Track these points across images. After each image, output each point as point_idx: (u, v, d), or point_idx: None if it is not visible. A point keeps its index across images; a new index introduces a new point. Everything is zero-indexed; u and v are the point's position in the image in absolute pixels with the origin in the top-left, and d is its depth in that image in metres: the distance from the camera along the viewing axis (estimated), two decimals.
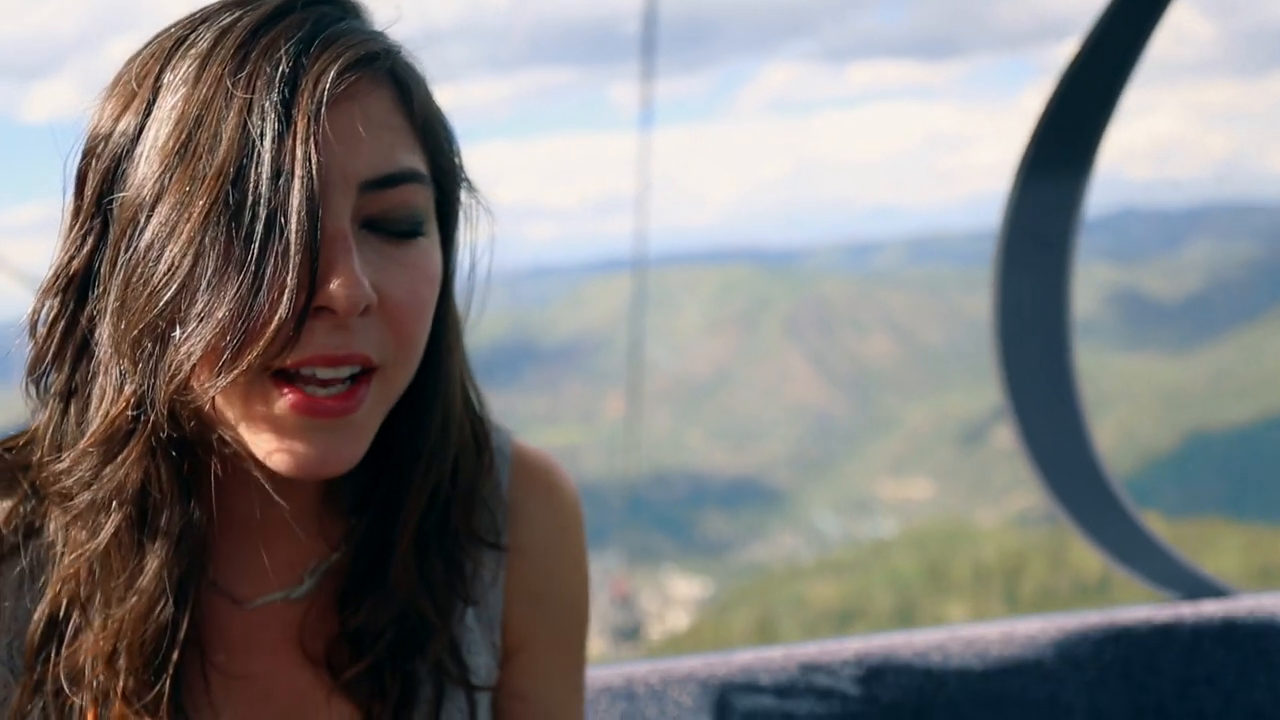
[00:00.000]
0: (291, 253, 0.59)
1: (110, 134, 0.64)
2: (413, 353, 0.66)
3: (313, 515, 0.73)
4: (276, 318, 0.59)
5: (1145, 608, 1.13)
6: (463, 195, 0.71)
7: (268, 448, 0.63)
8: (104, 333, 0.63)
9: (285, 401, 0.62)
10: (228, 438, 0.64)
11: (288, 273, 0.59)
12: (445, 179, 0.69)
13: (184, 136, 0.61)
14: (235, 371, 0.59)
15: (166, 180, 0.61)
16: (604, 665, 1.10)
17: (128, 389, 0.62)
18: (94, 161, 0.64)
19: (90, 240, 0.64)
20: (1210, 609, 1.11)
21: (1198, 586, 1.17)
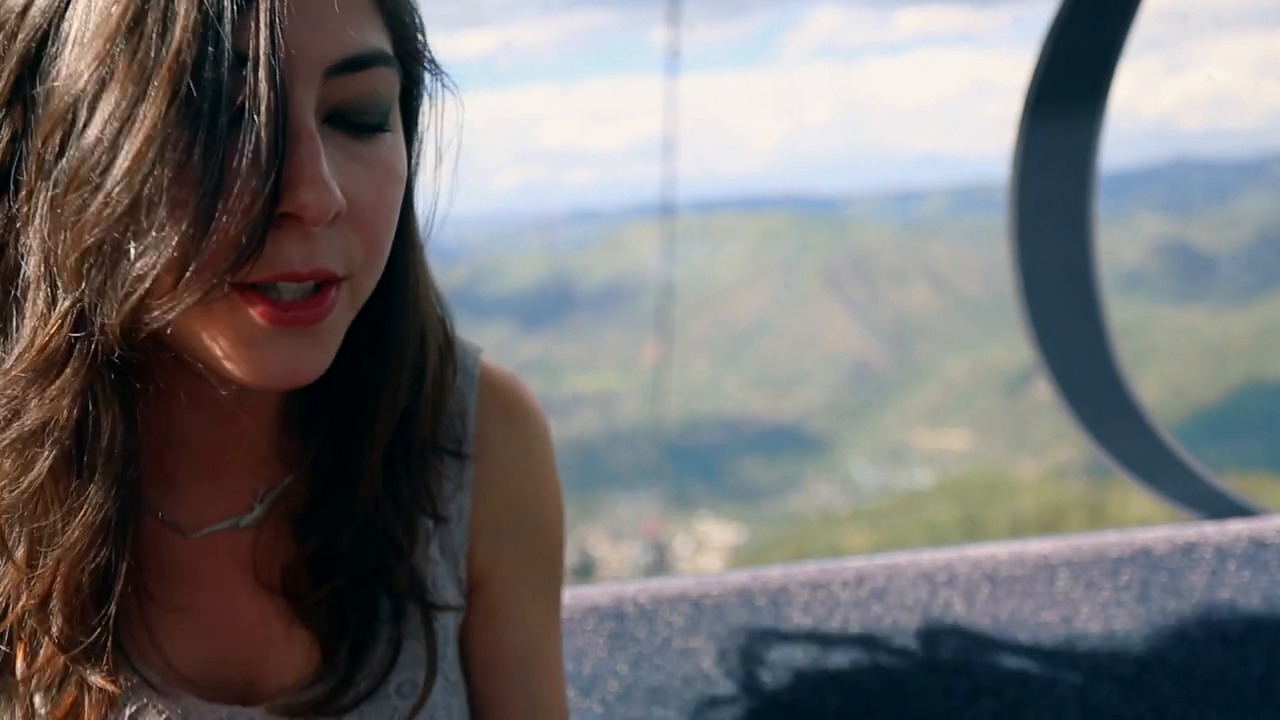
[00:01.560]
0: (262, 154, 0.53)
1: (25, 8, 0.55)
2: (380, 259, 0.61)
3: (265, 437, 0.68)
4: (241, 228, 0.53)
5: (1166, 527, 1.07)
6: (427, 80, 0.64)
7: (232, 360, 0.58)
8: (30, 244, 0.56)
9: (252, 312, 0.57)
10: (185, 356, 0.59)
11: (254, 177, 0.53)
12: (411, 63, 0.63)
13: (128, 17, 0.53)
14: (200, 292, 0.54)
15: (109, 69, 0.53)
16: (592, 585, 1.06)
17: (62, 306, 0.56)
18: (7, 44, 0.56)
19: (5, 135, 0.56)
20: (1236, 528, 1.05)
21: (1225, 508, 1.11)
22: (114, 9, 0.53)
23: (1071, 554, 1.04)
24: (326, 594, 0.67)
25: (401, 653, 0.69)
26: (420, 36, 0.64)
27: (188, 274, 0.53)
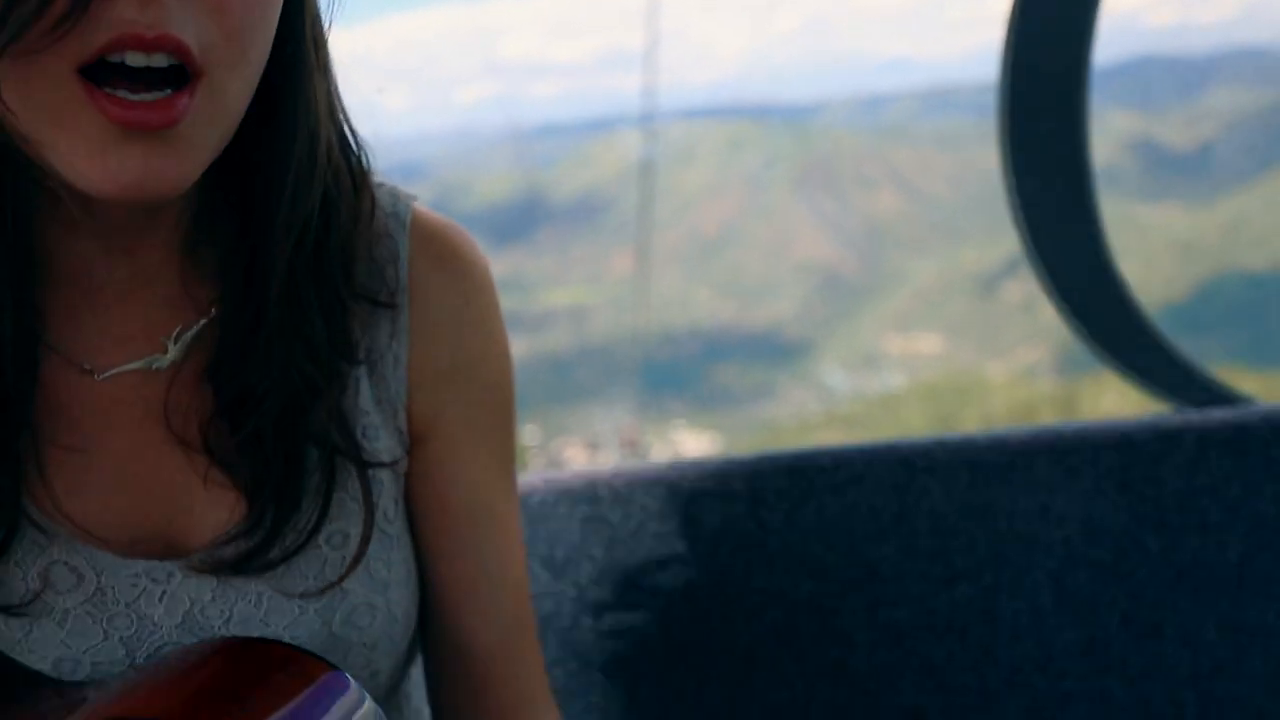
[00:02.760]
0: None
1: None
2: (243, 53, 0.55)
3: (171, 275, 0.64)
4: None
5: (1149, 415, 1.05)
6: None
7: (82, 168, 0.54)
8: None
9: (96, 108, 0.52)
10: (39, 162, 0.55)
11: None
12: None
13: None
14: (15, 48, 0.49)
15: None
16: (565, 469, 1.03)
17: None
18: None
19: None
20: (1219, 415, 1.03)
21: (1210, 398, 1.09)
22: None
23: (1052, 441, 1.01)
24: (248, 445, 0.64)
25: (331, 505, 0.66)
26: None
27: (5, 33, 0.50)
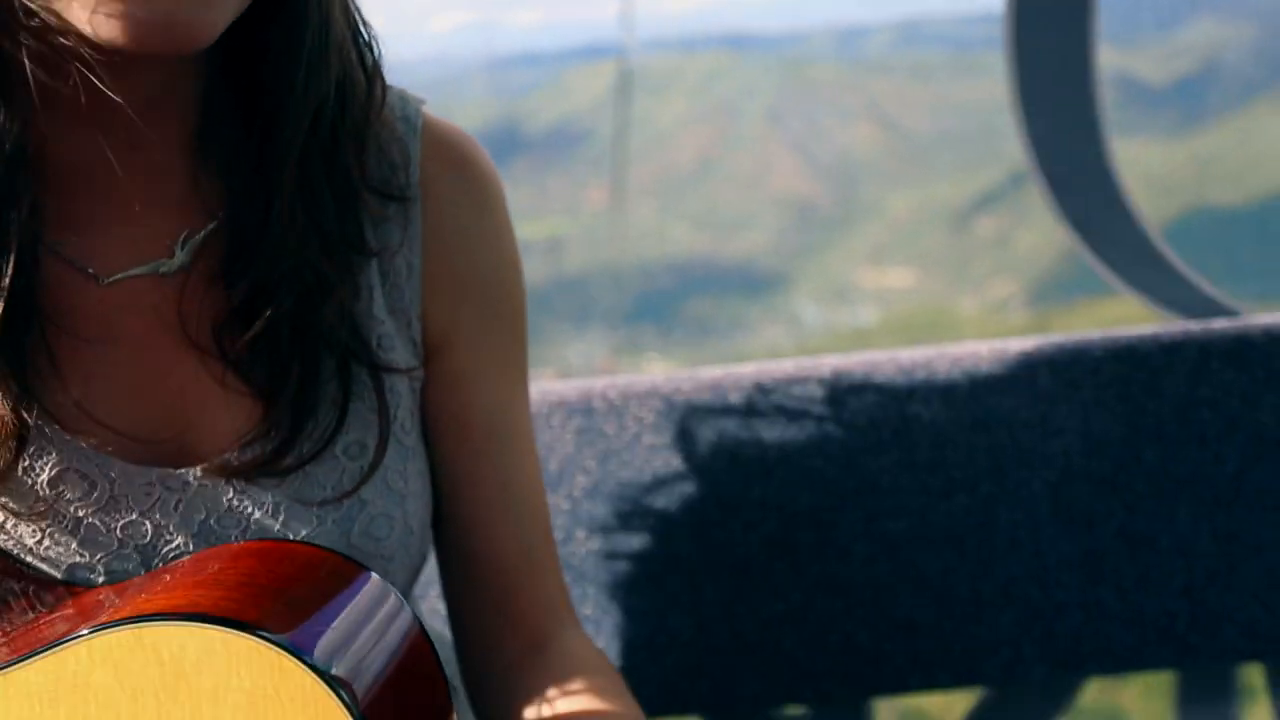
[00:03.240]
0: None
1: None
2: None
3: (179, 172, 0.62)
4: None
5: (1150, 326, 1.04)
6: None
7: (103, 11, 0.51)
8: None
9: None
10: (56, 21, 0.52)
11: None
12: None
13: None
14: None
15: None
16: (559, 381, 1.01)
17: None
18: None
19: None
20: (1220, 327, 1.02)
21: (1210, 309, 1.08)
22: None
23: (1054, 353, 1.00)
24: (262, 347, 0.62)
25: (349, 414, 0.65)
26: None
27: None
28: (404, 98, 0.68)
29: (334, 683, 0.50)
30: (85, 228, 0.61)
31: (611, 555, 1.01)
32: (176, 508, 0.62)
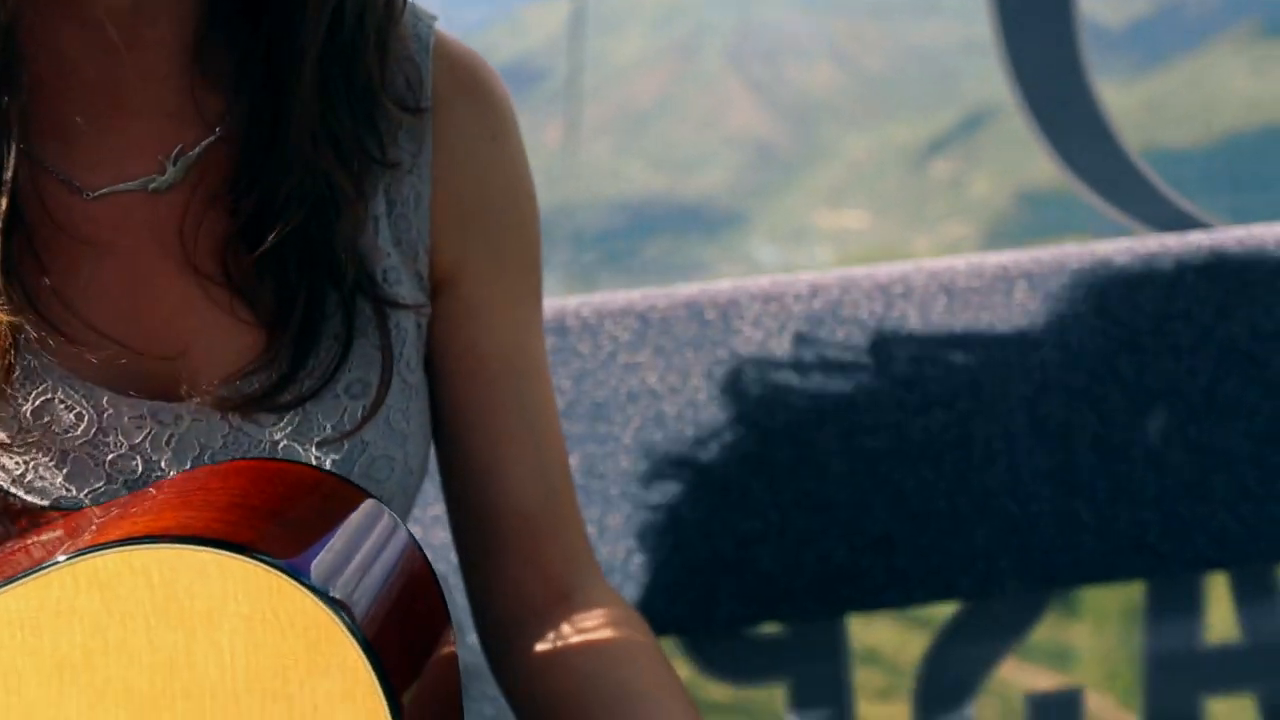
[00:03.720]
0: None
1: None
2: None
3: (180, 83, 0.58)
4: None
5: (1127, 239, 1.04)
6: None
7: None
8: None
9: None
10: None
11: None
12: None
13: None
14: None
15: None
16: None
17: None
18: None
19: None
20: (1197, 239, 1.02)
21: (1185, 225, 1.08)
22: None
23: (1031, 266, 1.00)
24: (269, 275, 0.59)
25: (352, 351, 0.62)
26: None
27: None
28: (415, 12, 0.64)
29: (333, 604, 0.49)
30: (69, 138, 0.57)
31: (587, 476, 1.00)
32: (169, 442, 0.60)
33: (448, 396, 0.68)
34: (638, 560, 1.01)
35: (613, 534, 1.01)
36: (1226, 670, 1.13)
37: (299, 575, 0.49)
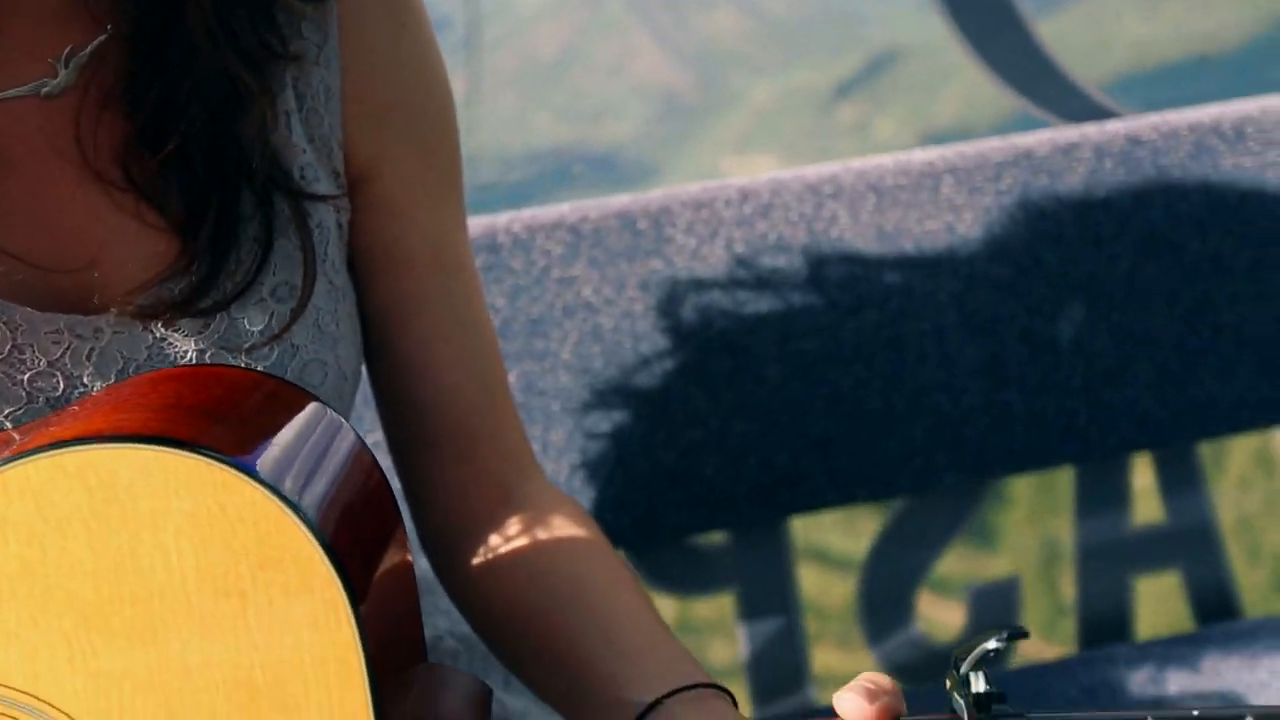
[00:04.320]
0: None
1: None
2: None
3: None
4: None
5: (1048, 130, 1.05)
6: None
7: None
8: None
9: None
10: None
11: None
12: None
13: None
14: None
15: None
16: None
17: None
18: None
19: None
20: (1114, 128, 1.04)
21: (1103, 116, 1.10)
22: None
23: (956, 160, 1.01)
24: (176, 177, 0.57)
25: (273, 252, 0.60)
26: None
27: None
28: None
29: (284, 497, 0.48)
30: None
31: (525, 393, 0.99)
32: (89, 357, 0.57)
33: (374, 298, 0.66)
34: (581, 476, 1.01)
35: (555, 450, 1.00)
36: (1152, 551, 1.17)
37: (246, 468, 0.48)
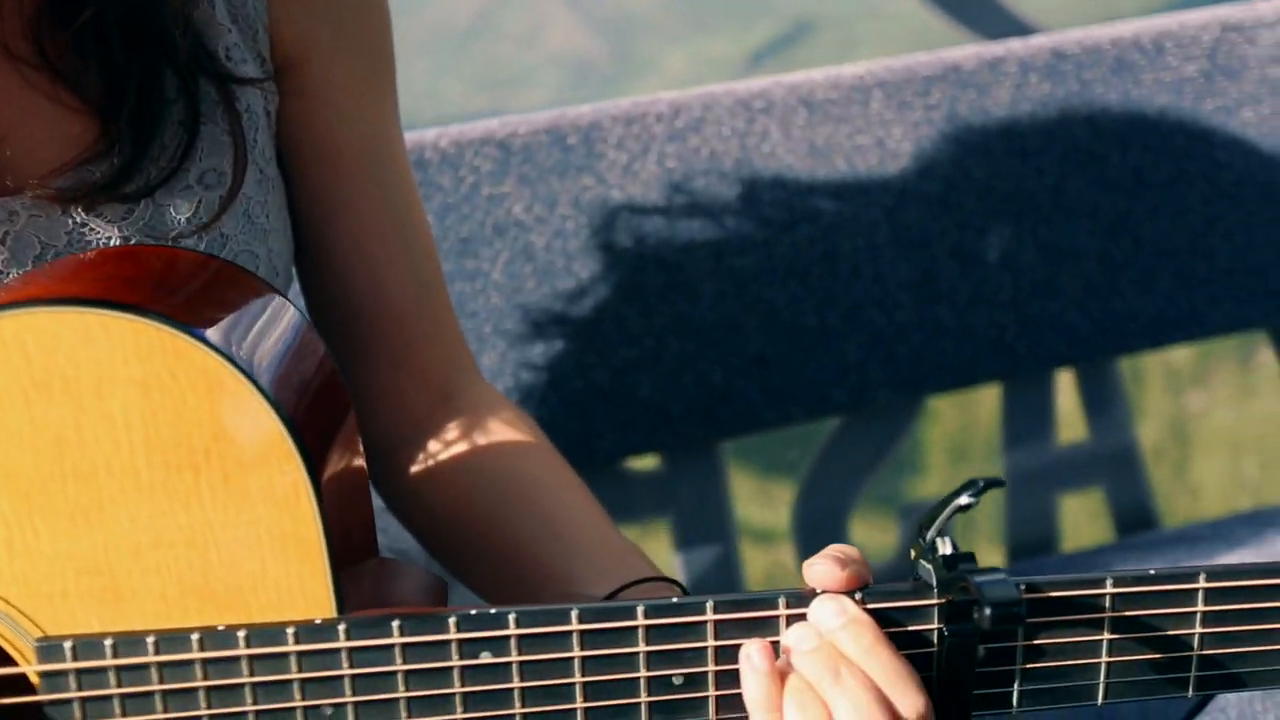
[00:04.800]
0: None
1: None
2: None
3: None
4: None
5: (974, 46, 1.06)
6: None
7: None
8: None
9: None
10: None
11: None
12: None
13: None
14: None
15: None
16: None
17: None
18: None
19: None
20: (1039, 42, 1.05)
21: (1028, 32, 1.11)
22: None
23: (885, 75, 1.01)
24: (93, 55, 0.54)
25: (200, 137, 0.58)
26: None
27: None
28: None
29: (239, 364, 0.45)
30: None
31: (458, 314, 0.97)
32: (4, 240, 0.55)
33: (304, 193, 0.64)
34: (515, 398, 0.99)
35: (488, 373, 0.99)
36: (1077, 468, 1.20)
37: (199, 334, 0.45)
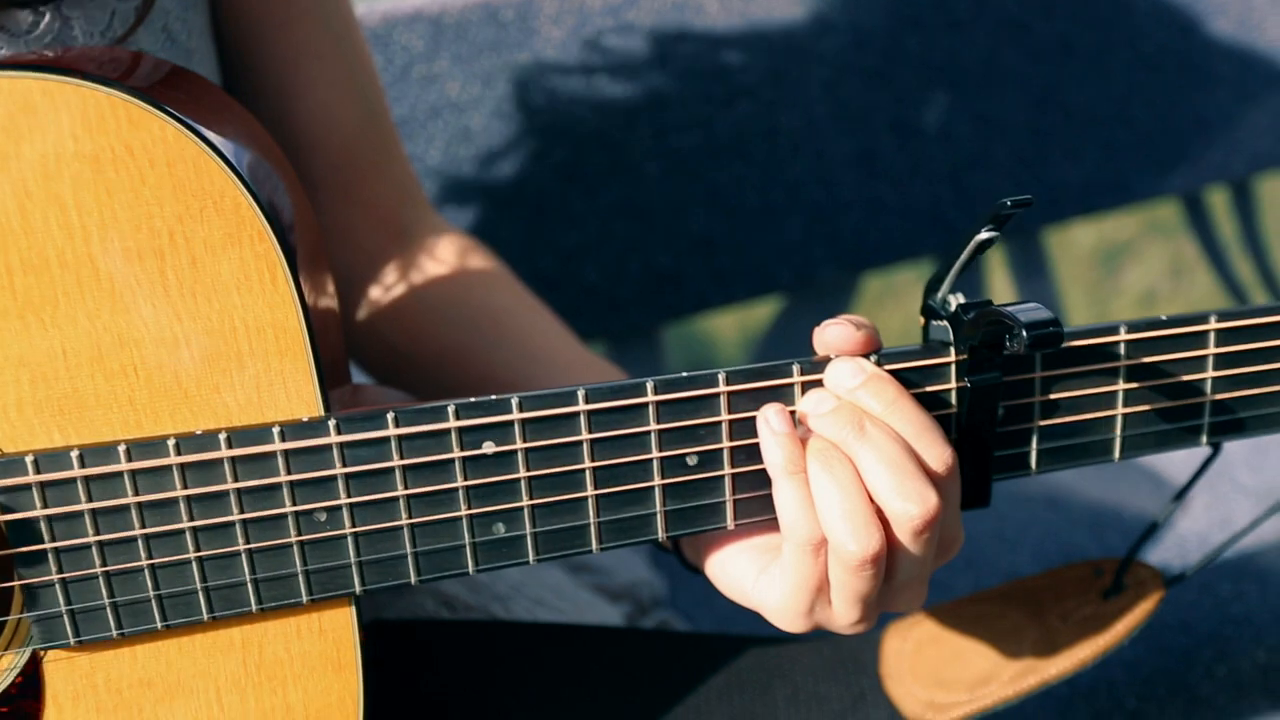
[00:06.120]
0: None
1: None
2: None
3: None
4: None
5: None
6: None
7: None
8: None
9: None
10: None
11: None
12: None
13: None
14: None
15: None
16: None
17: None
18: None
19: None
20: None
21: None
22: None
23: None
24: None
25: None
26: None
27: None
28: None
29: (203, 135, 0.41)
30: None
31: None
32: None
33: (234, 12, 0.60)
34: None
35: None
36: None
37: (154, 100, 0.41)
